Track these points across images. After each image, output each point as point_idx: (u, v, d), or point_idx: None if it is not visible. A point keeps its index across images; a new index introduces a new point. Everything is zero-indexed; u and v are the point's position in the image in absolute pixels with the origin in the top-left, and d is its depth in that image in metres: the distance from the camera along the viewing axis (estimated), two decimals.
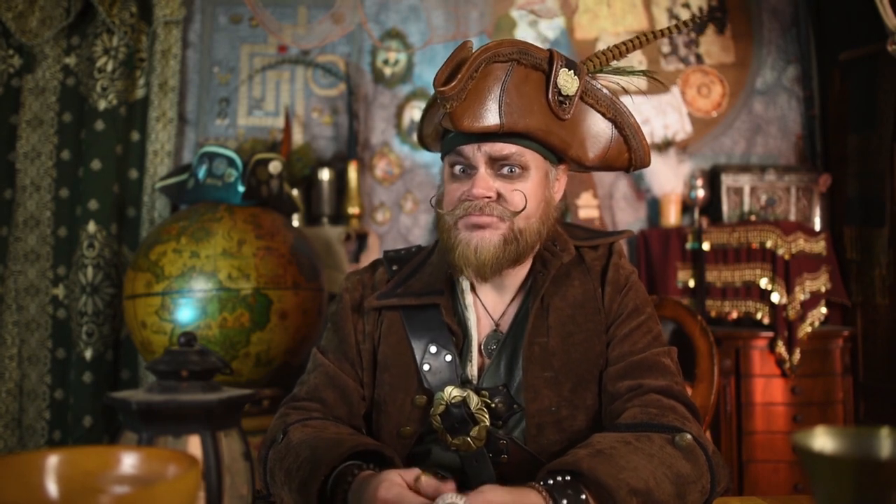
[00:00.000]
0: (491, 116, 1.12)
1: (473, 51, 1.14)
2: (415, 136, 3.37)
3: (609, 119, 1.23)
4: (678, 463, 1.05)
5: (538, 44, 3.45)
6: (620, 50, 1.27)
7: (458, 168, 1.21)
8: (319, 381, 1.27)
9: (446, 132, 1.24)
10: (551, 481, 0.99)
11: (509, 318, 1.28)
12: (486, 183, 1.17)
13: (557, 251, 1.28)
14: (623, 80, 1.28)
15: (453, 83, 1.08)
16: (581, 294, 1.26)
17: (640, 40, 1.29)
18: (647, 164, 1.28)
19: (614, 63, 1.27)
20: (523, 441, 1.19)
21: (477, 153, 1.17)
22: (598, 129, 1.23)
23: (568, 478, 1.00)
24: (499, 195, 1.18)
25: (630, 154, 1.26)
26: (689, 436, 1.07)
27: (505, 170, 1.18)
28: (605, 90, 1.22)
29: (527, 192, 1.19)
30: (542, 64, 1.16)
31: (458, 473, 1.20)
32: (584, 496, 0.98)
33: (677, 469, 1.04)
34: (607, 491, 0.97)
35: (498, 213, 1.17)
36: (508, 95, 1.13)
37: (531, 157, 1.19)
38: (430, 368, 1.23)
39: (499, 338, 1.26)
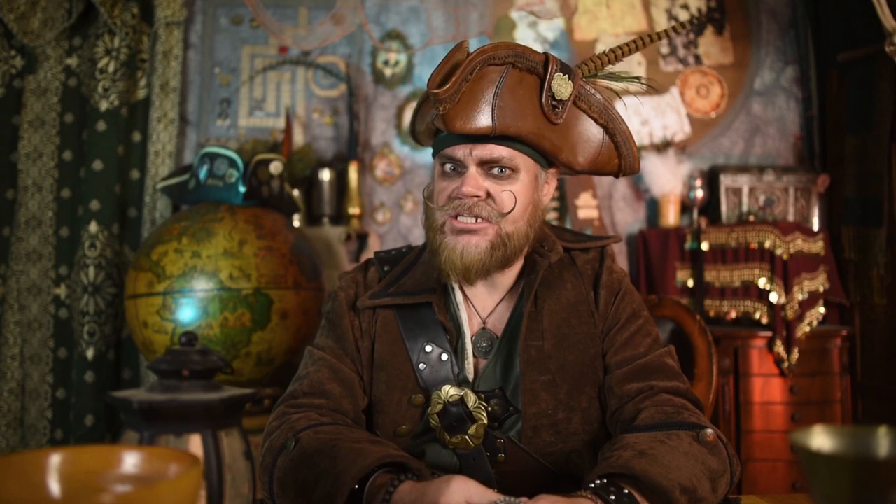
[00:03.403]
0: (483, 119, 1.12)
1: (470, 52, 1.13)
2: None
3: (601, 125, 1.23)
4: (708, 459, 1.07)
5: (537, 45, 3.47)
6: (616, 54, 1.27)
7: (448, 166, 1.22)
8: (323, 376, 1.25)
9: (438, 130, 1.24)
10: (591, 485, 1.00)
11: (498, 318, 1.28)
12: (475, 182, 1.17)
13: (545, 251, 1.29)
14: (618, 84, 1.29)
15: (447, 86, 1.08)
16: (574, 297, 1.27)
17: (637, 44, 1.29)
18: (636, 170, 1.28)
19: (609, 67, 1.28)
20: (519, 442, 1.20)
21: (468, 155, 1.18)
22: (590, 133, 1.23)
23: (605, 480, 1.00)
24: (488, 194, 1.18)
25: (620, 160, 1.26)
26: (710, 431, 1.09)
27: (495, 170, 1.19)
28: (598, 96, 1.21)
29: (516, 193, 1.19)
30: (537, 68, 1.16)
31: (456, 472, 1.20)
32: (626, 490, 0.99)
33: (709, 465, 1.06)
34: (661, 491, 0.97)
35: (486, 214, 1.18)
36: (502, 99, 1.13)
37: (522, 160, 1.20)
38: (425, 367, 1.23)
39: (489, 336, 1.26)
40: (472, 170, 1.18)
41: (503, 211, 1.18)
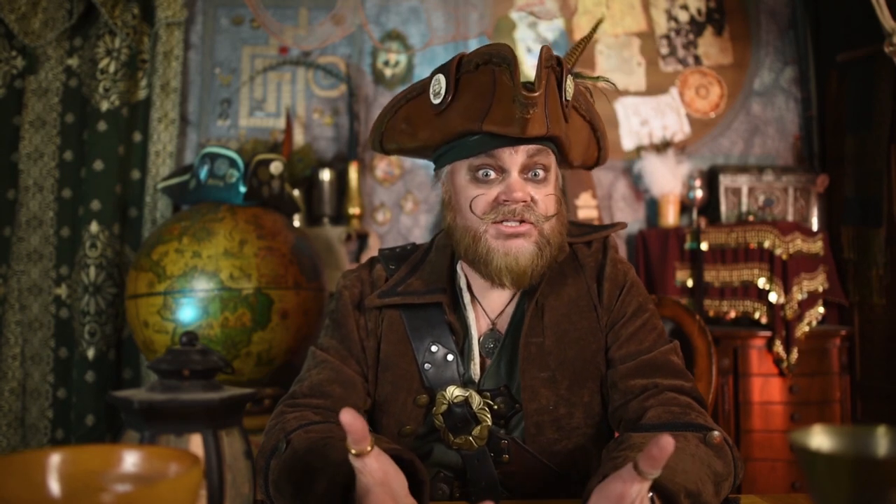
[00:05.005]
0: (542, 122, 1.14)
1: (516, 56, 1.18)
2: None
3: (587, 121, 1.29)
4: (714, 462, 1.06)
5: (537, 46, 3.47)
6: (571, 59, 1.36)
7: (481, 172, 1.19)
8: (325, 377, 1.24)
9: (462, 136, 1.20)
10: None
11: (506, 318, 1.28)
12: (522, 187, 1.17)
13: None
14: (591, 83, 1.37)
15: (538, 92, 1.10)
16: (575, 292, 1.27)
17: (579, 47, 1.41)
18: (605, 160, 1.39)
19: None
20: (523, 440, 1.20)
21: (513, 155, 1.18)
22: (581, 129, 1.29)
23: None
24: (532, 199, 1.19)
25: (598, 153, 1.35)
26: (717, 434, 1.08)
27: (531, 174, 1.19)
28: (584, 93, 1.29)
29: (554, 195, 1.22)
30: (559, 71, 1.19)
31: (460, 473, 1.21)
32: (650, 494, 0.97)
33: (714, 468, 1.05)
34: (668, 494, 0.96)
35: (533, 219, 1.18)
36: (547, 102, 1.15)
37: (552, 161, 1.22)
38: (430, 368, 1.23)
39: (496, 337, 1.26)
40: (516, 175, 1.18)
41: (548, 214, 1.20)
